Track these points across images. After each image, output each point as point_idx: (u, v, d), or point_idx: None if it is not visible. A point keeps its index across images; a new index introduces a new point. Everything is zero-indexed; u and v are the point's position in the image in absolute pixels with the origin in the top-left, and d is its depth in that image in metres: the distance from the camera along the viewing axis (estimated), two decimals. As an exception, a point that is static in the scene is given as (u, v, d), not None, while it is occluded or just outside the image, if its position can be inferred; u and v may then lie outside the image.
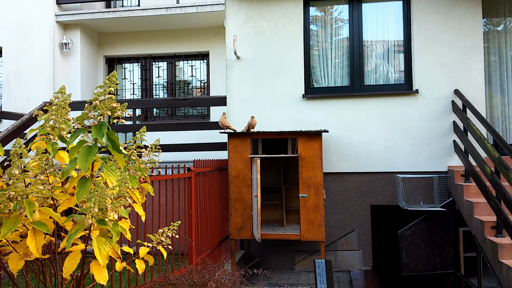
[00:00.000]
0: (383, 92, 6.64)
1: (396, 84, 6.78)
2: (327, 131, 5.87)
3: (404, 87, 6.67)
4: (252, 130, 6.05)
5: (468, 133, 5.80)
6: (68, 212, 2.78)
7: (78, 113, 2.58)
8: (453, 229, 6.01)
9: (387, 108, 6.60)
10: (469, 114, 5.86)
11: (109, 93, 2.51)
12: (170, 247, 3.18)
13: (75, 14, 9.02)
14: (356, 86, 6.78)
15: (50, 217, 2.44)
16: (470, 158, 5.64)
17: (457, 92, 6.30)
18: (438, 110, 6.46)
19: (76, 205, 2.50)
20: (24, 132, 6.90)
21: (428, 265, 6.00)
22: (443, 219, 6.02)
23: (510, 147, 4.65)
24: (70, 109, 2.69)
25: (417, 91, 6.50)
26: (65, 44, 9.12)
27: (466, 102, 5.97)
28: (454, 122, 6.33)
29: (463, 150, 5.95)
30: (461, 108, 6.08)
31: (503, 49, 6.83)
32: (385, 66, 6.92)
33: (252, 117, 6.05)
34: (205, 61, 9.79)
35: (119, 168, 2.64)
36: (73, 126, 2.60)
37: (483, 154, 5.32)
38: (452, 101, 6.38)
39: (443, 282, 6.46)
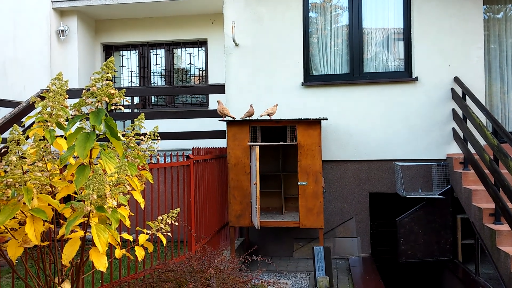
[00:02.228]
0: (382, 80, 6.61)
1: (395, 71, 6.74)
2: (326, 119, 5.86)
3: (404, 75, 6.64)
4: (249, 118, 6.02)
5: (467, 120, 5.79)
6: (66, 199, 2.77)
7: (75, 101, 2.55)
8: (451, 216, 6.03)
9: (386, 95, 6.57)
10: (469, 101, 5.85)
11: (107, 79, 2.48)
12: (169, 234, 3.18)
13: (72, 0, 8.91)
14: (356, 74, 6.74)
15: (49, 204, 2.43)
16: (469, 146, 5.63)
17: (456, 80, 6.28)
18: (437, 98, 6.44)
19: (75, 192, 2.49)
20: (22, 120, 6.86)
21: (426, 252, 6.04)
22: (442, 207, 6.04)
23: (509, 135, 4.64)
24: (68, 96, 2.67)
25: (416, 78, 6.47)
26: (62, 31, 9.03)
27: (466, 89, 5.95)
28: (453, 109, 6.31)
29: (462, 138, 5.95)
30: (461, 96, 6.06)
31: (503, 37, 6.79)
32: (385, 53, 6.87)
33: (251, 105, 6.03)
34: (203, 48, 9.72)
35: (118, 155, 2.62)
36: (71, 113, 2.58)
37: (482, 142, 5.32)
38: (452, 88, 6.36)
39: (441, 269, 6.51)
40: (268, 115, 5.93)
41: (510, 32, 6.78)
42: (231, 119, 5.98)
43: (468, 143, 5.66)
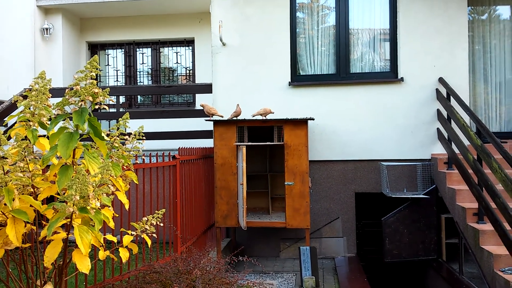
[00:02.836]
0: (368, 80, 6.65)
1: (381, 72, 6.79)
2: (313, 119, 5.87)
3: (390, 75, 6.69)
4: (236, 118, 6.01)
5: (452, 121, 5.86)
6: (49, 200, 2.72)
7: (59, 100, 2.51)
8: (435, 216, 6.09)
9: (372, 96, 6.62)
10: (453, 102, 5.91)
11: (91, 78, 2.44)
12: (154, 235, 3.15)
13: (56, -2, 8.79)
14: (342, 74, 6.77)
15: (31, 205, 2.38)
16: (453, 146, 5.70)
17: (441, 80, 6.35)
18: (422, 98, 6.50)
19: (58, 193, 2.45)
20: (4, 119, 6.75)
21: (411, 252, 6.09)
22: (426, 206, 6.10)
23: (493, 135, 4.70)
24: (51, 95, 2.62)
25: (402, 79, 6.53)
26: (46, 29, 8.90)
27: (450, 90, 6.01)
28: (438, 110, 6.38)
29: (447, 138, 6.01)
30: (445, 96, 6.13)
31: (487, 38, 6.89)
32: (371, 54, 6.92)
33: (237, 105, 6.03)
34: (190, 47, 9.67)
35: (102, 156, 2.59)
36: (54, 112, 2.54)
37: (466, 142, 5.39)
38: (437, 89, 6.43)
39: (425, 268, 6.57)
40: (261, 115, 5.91)
41: (494, 33, 6.88)
42: (219, 118, 5.96)
43: (453, 143, 5.73)
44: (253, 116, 5.96)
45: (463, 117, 5.53)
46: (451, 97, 5.96)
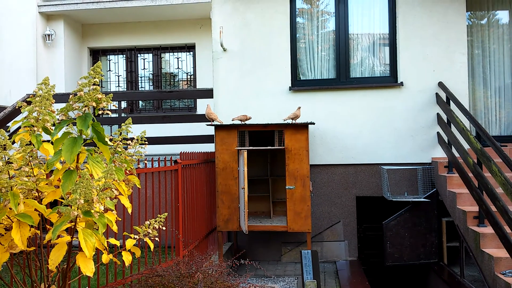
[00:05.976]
0: (368, 85, 6.69)
1: (381, 76, 6.83)
2: (314, 123, 5.90)
3: (389, 80, 6.72)
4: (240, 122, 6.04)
5: (452, 125, 5.89)
6: (53, 204, 2.75)
7: (62, 106, 2.55)
8: (436, 219, 6.11)
9: (372, 100, 6.65)
10: (453, 106, 5.94)
11: (94, 84, 2.48)
12: (157, 239, 3.18)
13: (58, 4, 8.86)
14: (342, 79, 6.81)
15: (35, 209, 2.42)
16: (454, 150, 5.73)
17: (441, 85, 6.38)
18: (422, 103, 6.53)
19: (62, 197, 2.49)
20: (7, 125, 6.80)
21: (412, 255, 6.10)
22: (427, 210, 6.11)
23: (492, 139, 4.73)
24: (54, 101, 2.66)
25: (402, 83, 6.57)
26: (48, 35, 8.97)
27: (450, 94, 6.05)
28: (438, 114, 6.41)
29: (447, 142, 6.04)
30: (445, 101, 6.16)
31: (486, 43, 6.93)
32: (371, 59, 6.96)
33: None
34: (191, 53, 9.73)
35: (105, 160, 2.62)
36: (58, 118, 2.57)
37: (466, 146, 5.41)
38: (436, 93, 6.46)
39: (426, 271, 6.58)
40: (291, 119, 5.95)
41: (493, 38, 6.93)
42: (219, 123, 5.99)
43: (453, 147, 5.75)
44: (285, 120, 6.01)
45: (462, 121, 5.56)
46: (451, 101, 5.99)
